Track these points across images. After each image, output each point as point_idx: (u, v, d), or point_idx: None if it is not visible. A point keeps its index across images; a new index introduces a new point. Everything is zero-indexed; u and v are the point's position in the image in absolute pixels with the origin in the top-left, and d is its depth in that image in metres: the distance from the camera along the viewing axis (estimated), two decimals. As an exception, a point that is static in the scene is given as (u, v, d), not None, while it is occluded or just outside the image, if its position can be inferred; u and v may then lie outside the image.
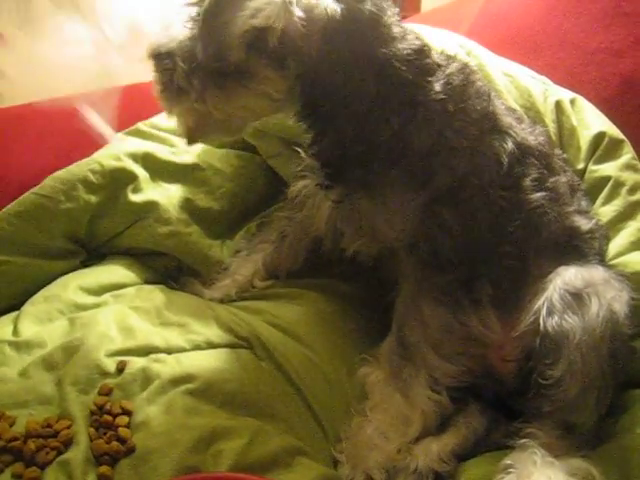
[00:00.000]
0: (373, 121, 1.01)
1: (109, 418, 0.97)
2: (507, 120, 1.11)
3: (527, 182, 1.09)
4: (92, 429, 0.96)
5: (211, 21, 0.93)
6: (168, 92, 1.01)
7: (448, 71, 1.06)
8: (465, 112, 1.05)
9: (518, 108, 1.32)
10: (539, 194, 1.09)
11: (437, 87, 1.03)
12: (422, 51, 1.04)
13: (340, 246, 1.16)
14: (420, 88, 1.02)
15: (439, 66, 1.06)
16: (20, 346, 1.09)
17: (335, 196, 1.08)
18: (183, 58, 0.98)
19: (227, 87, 0.98)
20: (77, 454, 0.93)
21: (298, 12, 0.90)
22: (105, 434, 0.95)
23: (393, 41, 1.01)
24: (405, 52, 1.01)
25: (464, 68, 1.10)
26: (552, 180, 1.12)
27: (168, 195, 1.34)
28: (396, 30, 1.02)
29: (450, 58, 1.10)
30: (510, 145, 1.07)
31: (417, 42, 1.04)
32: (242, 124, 1.09)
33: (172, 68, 0.99)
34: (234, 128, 1.08)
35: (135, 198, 1.31)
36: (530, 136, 1.14)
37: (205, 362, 1.07)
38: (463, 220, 1.04)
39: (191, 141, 1.09)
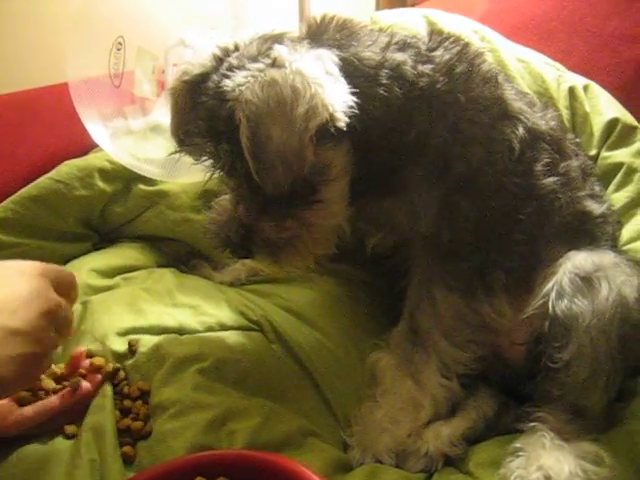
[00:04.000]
0: (401, 126, 1.00)
1: (128, 402, 0.98)
2: (517, 105, 1.09)
3: (539, 167, 1.08)
4: (117, 411, 0.97)
5: (262, 154, 0.88)
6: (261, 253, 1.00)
7: (447, 57, 1.04)
8: (475, 101, 1.04)
9: (531, 94, 1.31)
10: (551, 179, 1.08)
11: (440, 77, 1.02)
12: (407, 43, 1.04)
13: (359, 240, 1.16)
14: (424, 78, 1.01)
15: (431, 50, 1.05)
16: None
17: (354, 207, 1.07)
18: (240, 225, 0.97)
19: (302, 206, 0.97)
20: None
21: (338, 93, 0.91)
22: (126, 416, 0.97)
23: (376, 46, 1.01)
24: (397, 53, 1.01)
25: (465, 52, 1.07)
26: (564, 165, 1.12)
27: (181, 183, 1.34)
28: (372, 38, 1.03)
29: (445, 40, 1.08)
30: (521, 130, 1.06)
31: (387, 38, 1.04)
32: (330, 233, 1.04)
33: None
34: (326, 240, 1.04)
35: (148, 187, 1.32)
36: (541, 120, 1.13)
37: (217, 343, 1.07)
38: (478, 208, 1.04)
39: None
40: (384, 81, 0.97)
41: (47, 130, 1.42)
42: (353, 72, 0.96)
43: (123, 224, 1.32)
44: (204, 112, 0.96)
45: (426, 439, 1.04)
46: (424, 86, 1.01)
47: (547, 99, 1.34)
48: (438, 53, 1.05)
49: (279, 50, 0.93)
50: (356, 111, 0.92)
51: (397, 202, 1.06)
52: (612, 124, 1.30)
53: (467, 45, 1.10)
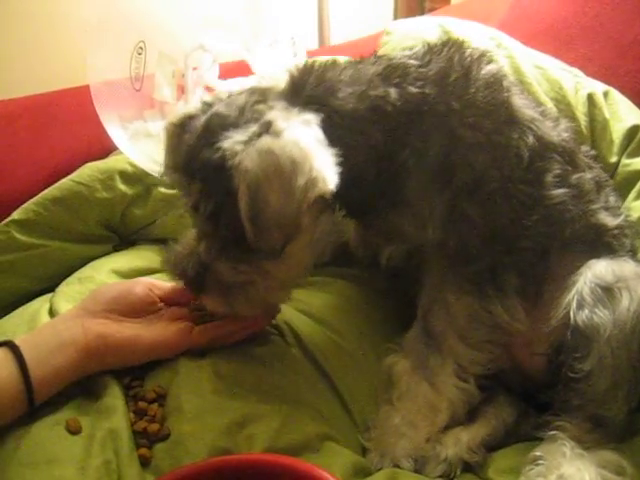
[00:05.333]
0: (394, 149, 1.01)
1: (143, 404, 0.98)
2: (528, 113, 1.07)
3: (549, 178, 1.06)
4: (131, 414, 0.98)
5: (259, 220, 0.89)
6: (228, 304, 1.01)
7: (437, 67, 1.03)
8: (474, 106, 1.02)
9: (548, 101, 1.30)
10: (561, 190, 1.07)
11: (430, 90, 1.01)
12: (395, 67, 1.03)
13: (373, 254, 1.17)
14: (413, 99, 1.00)
15: (424, 65, 1.04)
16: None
17: (362, 224, 1.09)
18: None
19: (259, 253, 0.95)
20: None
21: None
22: (141, 419, 0.97)
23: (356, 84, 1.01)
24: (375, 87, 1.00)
25: (460, 57, 1.05)
26: (576, 177, 1.10)
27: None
28: (347, 73, 1.02)
29: (440, 50, 1.06)
30: (531, 139, 1.04)
31: (372, 69, 1.03)
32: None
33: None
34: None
35: (168, 191, 1.32)
36: (553, 131, 1.10)
37: (235, 346, 1.07)
38: (485, 213, 1.03)
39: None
40: (364, 128, 0.99)
41: (68, 132, 1.43)
42: (333, 127, 0.96)
43: (143, 227, 1.33)
44: (185, 148, 0.97)
45: (445, 445, 1.04)
46: (413, 108, 1.00)
47: (564, 106, 1.33)
48: (431, 66, 1.04)
49: (273, 117, 0.93)
50: (339, 168, 0.93)
51: (403, 214, 1.06)
52: (633, 131, 1.30)
53: (463, 50, 1.07)
